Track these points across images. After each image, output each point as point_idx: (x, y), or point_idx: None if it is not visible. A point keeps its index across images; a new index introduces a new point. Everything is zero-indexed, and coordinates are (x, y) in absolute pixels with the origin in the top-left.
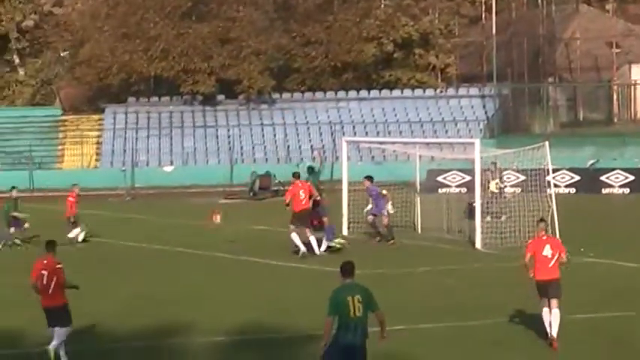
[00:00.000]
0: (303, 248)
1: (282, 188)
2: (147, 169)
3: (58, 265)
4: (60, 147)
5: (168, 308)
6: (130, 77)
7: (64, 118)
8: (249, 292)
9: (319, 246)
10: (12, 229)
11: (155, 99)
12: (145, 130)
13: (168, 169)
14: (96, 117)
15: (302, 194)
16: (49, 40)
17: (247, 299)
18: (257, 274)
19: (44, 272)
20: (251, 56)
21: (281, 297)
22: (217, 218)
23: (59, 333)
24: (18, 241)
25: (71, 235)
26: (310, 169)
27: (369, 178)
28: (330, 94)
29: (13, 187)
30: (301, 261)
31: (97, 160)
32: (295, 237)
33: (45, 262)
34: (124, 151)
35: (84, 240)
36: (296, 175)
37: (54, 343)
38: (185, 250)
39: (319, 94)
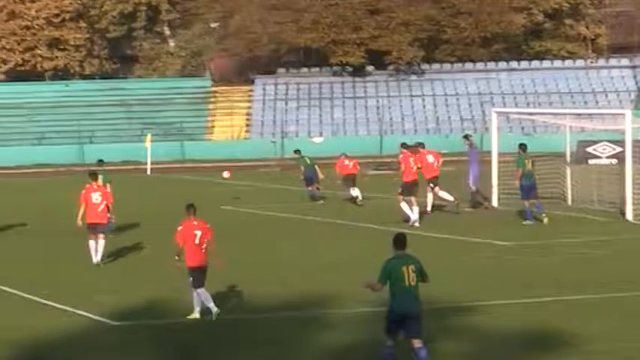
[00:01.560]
0: (414, 217)
1: None
2: (296, 141)
3: (208, 225)
4: (210, 118)
5: (322, 277)
6: (280, 48)
7: (213, 89)
8: None
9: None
10: None
11: (304, 70)
12: (294, 101)
13: (318, 140)
14: (246, 88)
15: (412, 163)
16: (199, 12)
17: None
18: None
19: (197, 232)
20: (400, 27)
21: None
22: (227, 174)
23: (206, 296)
24: None
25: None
26: None
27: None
28: (479, 65)
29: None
30: (451, 231)
31: (246, 131)
32: (405, 206)
33: (195, 223)
34: (274, 122)
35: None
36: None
37: (211, 304)
38: (334, 221)
39: (468, 65)
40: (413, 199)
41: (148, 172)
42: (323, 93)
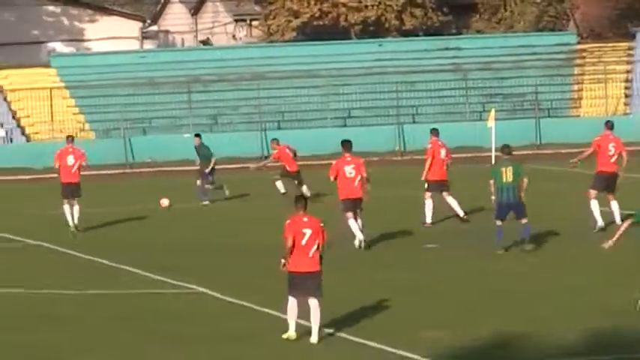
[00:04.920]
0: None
1: None
2: None
3: (322, 225)
4: (575, 87)
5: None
6: None
7: (580, 47)
8: None
9: None
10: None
11: None
12: None
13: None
14: (624, 45)
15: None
16: None
17: None
18: None
19: (306, 231)
20: None
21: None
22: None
23: (314, 307)
24: None
25: None
26: None
27: None
28: None
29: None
30: None
31: (625, 104)
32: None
33: (305, 219)
34: None
35: None
36: None
37: (315, 322)
38: None
39: None
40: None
41: (493, 161)
42: None
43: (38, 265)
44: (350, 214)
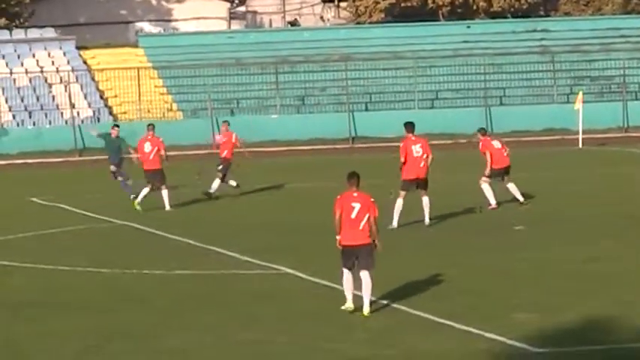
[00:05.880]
0: None
1: None
2: None
3: (372, 200)
4: None
5: None
6: None
7: None
8: None
9: None
10: None
11: None
12: None
13: None
14: None
15: None
16: None
17: None
18: None
19: (355, 205)
20: None
21: None
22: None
23: (365, 278)
24: None
25: None
26: None
27: None
28: None
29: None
30: None
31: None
32: None
33: (355, 194)
34: None
35: None
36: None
37: (366, 295)
38: None
39: None
40: None
41: (580, 144)
42: None
43: (126, 246)
44: (404, 194)
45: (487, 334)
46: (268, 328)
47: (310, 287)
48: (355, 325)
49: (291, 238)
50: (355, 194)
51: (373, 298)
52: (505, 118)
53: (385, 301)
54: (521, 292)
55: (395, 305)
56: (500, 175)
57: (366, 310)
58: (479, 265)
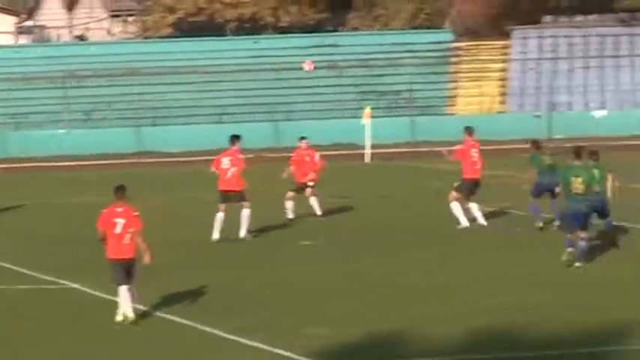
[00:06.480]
0: None
1: None
2: (569, 115)
3: (135, 214)
4: (451, 85)
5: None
6: None
7: (456, 45)
8: None
9: None
10: None
11: (579, 18)
12: (565, 60)
13: (599, 113)
14: (499, 43)
15: None
16: None
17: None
18: None
19: (119, 220)
20: None
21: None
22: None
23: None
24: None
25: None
26: None
27: None
28: None
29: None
30: None
31: (501, 102)
32: None
33: (119, 209)
34: (538, 89)
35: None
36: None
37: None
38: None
39: None
40: None
41: (367, 158)
42: (606, 49)
43: None
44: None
45: (275, 350)
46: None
47: (95, 301)
48: (134, 340)
49: (72, 253)
50: (119, 209)
51: (169, 315)
52: (293, 133)
53: (174, 317)
54: (318, 306)
55: (185, 321)
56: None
57: (123, 317)
58: (279, 279)
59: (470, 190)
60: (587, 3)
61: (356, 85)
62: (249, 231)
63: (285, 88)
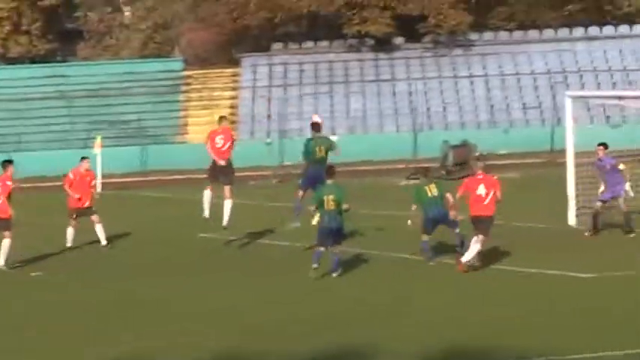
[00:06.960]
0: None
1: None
2: (300, 141)
3: None
4: (182, 113)
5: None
6: (275, 16)
7: (186, 73)
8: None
9: None
10: None
11: (309, 44)
12: (296, 87)
13: (331, 138)
14: (229, 71)
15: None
16: None
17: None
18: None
19: None
20: None
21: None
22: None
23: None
24: None
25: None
26: None
27: (604, 145)
28: (548, 33)
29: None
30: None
31: (232, 129)
32: None
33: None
34: (269, 116)
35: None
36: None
37: None
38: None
39: (533, 34)
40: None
41: (98, 188)
42: (335, 75)
43: None
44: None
45: None
46: None
47: None
48: None
49: None
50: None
51: None
52: (24, 164)
53: None
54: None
55: None
56: None
57: None
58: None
59: None
60: (316, 29)
61: (86, 115)
62: (6, 261)
63: (15, 119)
